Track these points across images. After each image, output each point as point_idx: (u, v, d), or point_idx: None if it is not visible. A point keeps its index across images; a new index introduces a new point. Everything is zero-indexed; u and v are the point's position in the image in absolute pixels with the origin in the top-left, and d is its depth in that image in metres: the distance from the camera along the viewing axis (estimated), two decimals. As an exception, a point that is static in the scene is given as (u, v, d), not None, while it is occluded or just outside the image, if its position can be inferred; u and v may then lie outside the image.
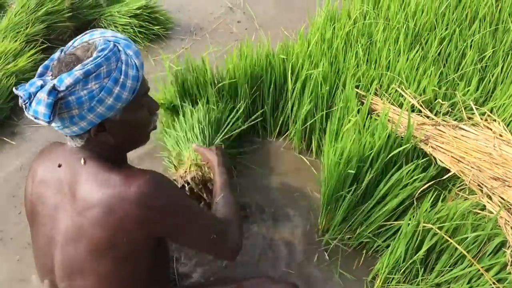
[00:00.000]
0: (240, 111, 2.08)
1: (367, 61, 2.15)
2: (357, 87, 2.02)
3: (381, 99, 1.95)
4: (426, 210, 1.48)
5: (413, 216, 1.53)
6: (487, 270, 1.44)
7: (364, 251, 1.83)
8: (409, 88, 1.92)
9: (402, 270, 1.59)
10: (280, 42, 2.25)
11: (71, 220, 1.15)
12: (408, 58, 2.03)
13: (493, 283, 1.40)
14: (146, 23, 3.02)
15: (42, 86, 1.02)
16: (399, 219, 1.69)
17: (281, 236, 1.89)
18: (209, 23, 3.22)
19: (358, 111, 1.88)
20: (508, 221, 1.41)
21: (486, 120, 1.86)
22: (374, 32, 2.32)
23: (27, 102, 1.02)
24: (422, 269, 1.59)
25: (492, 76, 2.01)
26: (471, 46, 2.14)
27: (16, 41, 2.65)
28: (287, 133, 2.26)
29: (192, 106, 2.11)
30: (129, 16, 2.97)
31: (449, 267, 1.52)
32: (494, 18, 2.24)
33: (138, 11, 2.97)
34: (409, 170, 1.67)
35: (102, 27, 3.02)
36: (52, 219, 1.19)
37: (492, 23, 2.22)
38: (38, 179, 1.23)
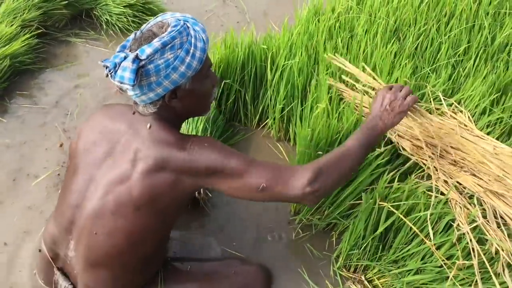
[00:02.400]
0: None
1: (346, 53, 2.23)
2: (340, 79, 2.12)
3: (353, 89, 2.03)
4: (382, 188, 1.56)
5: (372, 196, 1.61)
6: (439, 247, 1.52)
7: (333, 232, 1.91)
8: (380, 78, 2.00)
9: (363, 247, 1.67)
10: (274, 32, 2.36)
11: (120, 168, 1.34)
12: (384, 52, 2.11)
13: (443, 260, 1.48)
14: (140, 13, 3.11)
15: (125, 58, 1.22)
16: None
17: (253, 216, 1.98)
18: (201, 15, 3.31)
19: (331, 99, 1.98)
20: (458, 202, 1.49)
21: (452, 110, 1.94)
22: (355, 26, 2.40)
23: (112, 71, 1.23)
24: (381, 247, 1.68)
25: (464, 70, 2.09)
26: (446, 42, 2.22)
27: (12, 25, 2.74)
28: (266, 122, 2.34)
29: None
30: (123, 6, 3.06)
31: (405, 244, 1.61)
32: (471, 16, 2.31)
33: (132, 1, 3.06)
34: (375, 155, 1.76)
35: (97, 16, 3.11)
36: (99, 162, 1.39)
37: (469, 21, 2.30)
38: (99, 125, 1.44)
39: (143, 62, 1.22)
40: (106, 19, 3.10)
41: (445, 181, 1.60)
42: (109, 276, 1.43)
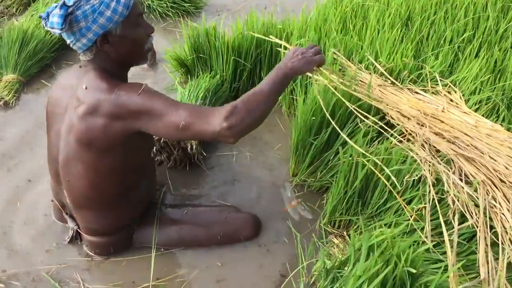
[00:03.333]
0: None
1: (357, 36, 2.40)
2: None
3: (354, 65, 2.20)
4: (357, 143, 1.72)
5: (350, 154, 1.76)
6: (410, 202, 1.67)
7: (325, 195, 2.08)
8: (380, 58, 2.16)
9: (344, 203, 1.83)
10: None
11: (70, 116, 1.52)
12: (387, 36, 2.27)
13: (412, 215, 1.62)
14: (179, 0, 3.41)
15: (56, 7, 1.40)
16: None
17: (251, 176, 2.18)
18: (236, 5, 3.57)
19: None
20: (428, 161, 1.63)
21: (447, 90, 2.08)
22: (369, 14, 2.57)
23: (46, 20, 1.42)
24: (360, 203, 1.83)
25: (463, 55, 2.22)
26: (451, 30, 2.35)
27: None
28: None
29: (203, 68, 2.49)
30: (164, -7, 3.37)
31: (380, 199, 1.75)
32: (478, 8, 2.43)
33: (172, -12, 3.36)
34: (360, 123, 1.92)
35: (142, 1, 3.43)
36: (62, 117, 1.58)
37: (476, 11, 2.42)
38: (59, 86, 1.63)
39: (70, 9, 1.37)
40: (148, 4, 3.40)
41: (422, 145, 1.74)
42: (93, 215, 1.68)
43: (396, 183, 1.58)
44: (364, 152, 1.66)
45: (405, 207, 1.63)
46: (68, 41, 1.48)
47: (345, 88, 1.87)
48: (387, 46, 2.20)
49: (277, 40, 2.09)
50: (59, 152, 1.61)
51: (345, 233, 1.90)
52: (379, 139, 1.92)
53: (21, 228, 1.92)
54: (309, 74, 1.63)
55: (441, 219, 1.43)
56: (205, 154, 2.20)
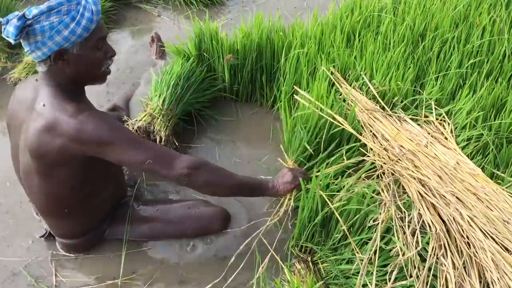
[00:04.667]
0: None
1: (361, 50, 2.31)
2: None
3: (350, 84, 2.13)
4: (323, 179, 1.68)
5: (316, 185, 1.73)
6: (368, 241, 1.63)
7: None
8: (374, 79, 2.07)
9: (308, 232, 1.81)
10: (299, 21, 2.50)
11: (26, 129, 1.57)
12: (391, 55, 2.16)
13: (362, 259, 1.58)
14: (204, -12, 3.39)
15: (15, 16, 1.43)
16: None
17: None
18: (262, -3, 3.50)
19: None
20: (386, 203, 1.57)
21: (439, 121, 1.97)
22: (382, 25, 2.45)
23: (4, 26, 1.44)
24: (324, 234, 1.80)
25: (464, 82, 2.08)
26: (462, 52, 2.20)
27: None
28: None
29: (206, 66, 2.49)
30: (189, -19, 3.36)
31: (340, 233, 1.72)
32: (494, 30, 2.25)
33: (197, -24, 3.34)
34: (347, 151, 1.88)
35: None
36: (19, 129, 1.63)
37: (494, 34, 2.24)
38: (16, 99, 1.67)
39: (29, 22, 1.38)
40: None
41: (388, 184, 1.67)
42: (57, 221, 1.77)
43: (346, 229, 1.54)
44: (324, 195, 1.63)
45: (356, 250, 1.59)
46: (25, 49, 1.50)
47: (323, 114, 1.82)
48: (383, 66, 2.09)
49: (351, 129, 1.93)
50: (20, 164, 1.68)
51: (309, 259, 1.89)
52: (353, 169, 1.86)
53: (1, 220, 2.03)
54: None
55: (389, 269, 1.39)
56: (177, 144, 2.22)
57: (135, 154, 1.50)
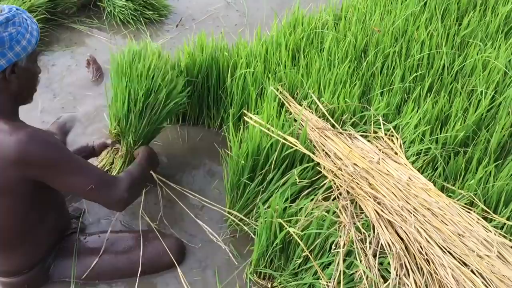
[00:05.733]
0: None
1: (307, 68, 2.30)
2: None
3: (299, 103, 2.11)
4: (277, 205, 1.65)
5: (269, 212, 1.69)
6: (329, 264, 1.60)
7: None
8: (323, 97, 2.07)
9: (266, 258, 1.77)
10: (243, 40, 2.46)
11: None
12: (337, 72, 2.17)
13: (326, 280, 1.56)
14: (141, 7, 3.28)
15: None
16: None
17: (193, 209, 2.11)
18: (201, 15, 3.45)
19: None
20: (346, 225, 1.56)
21: (388, 136, 1.99)
22: (324, 42, 2.46)
23: None
24: (283, 258, 1.76)
25: (408, 96, 2.13)
26: (404, 66, 2.25)
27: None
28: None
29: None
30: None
31: (301, 258, 1.69)
32: (432, 44, 2.32)
33: (135, -5, 3.24)
34: (298, 172, 1.85)
35: (104, 6, 3.31)
36: None
37: (432, 48, 2.31)
38: None
39: None
40: (110, 10, 3.29)
41: (345, 206, 1.66)
42: (3, 256, 1.63)
43: (310, 254, 1.51)
44: (282, 222, 1.59)
45: (322, 275, 1.56)
46: None
47: (275, 135, 1.78)
48: (330, 83, 2.10)
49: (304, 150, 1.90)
50: None
51: (269, 285, 1.84)
52: (309, 191, 1.84)
53: None
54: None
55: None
56: None
57: (79, 179, 1.50)
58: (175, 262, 1.84)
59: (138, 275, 1.79)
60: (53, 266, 1.77)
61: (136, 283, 1.80)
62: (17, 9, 1.45)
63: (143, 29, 3.25)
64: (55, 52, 3.03)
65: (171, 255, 1.83)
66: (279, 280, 1.79)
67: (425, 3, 2.68)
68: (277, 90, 2.15)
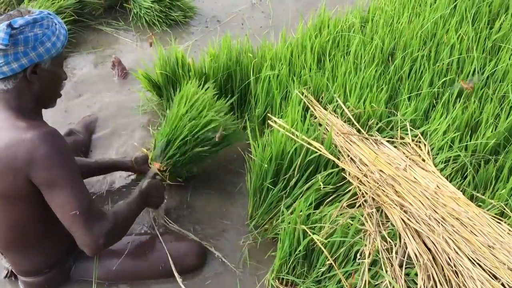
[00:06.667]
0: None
1: (332, 71, 2.27)
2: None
3: (324, 107, 2.08)
4: (301, 211, 1.62)
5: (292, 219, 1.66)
6: (355, 272, 1.57)
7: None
8: (349, 101, 2.03)
9: (289, 264, 1.74)
10: (268, 42, 2.45)
11: None
12: (364, 75, 2.13)
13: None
14: (167, 9, 3.29)
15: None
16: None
17: (215, 212, 2.09)
18: (226, 16, 3.44)
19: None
20: (371, 234, 1.52)
21: (415, 142, 1.94)
22: (351, 45, 2.43)
23: None
24: (306, 265, 1.73)
25: (437, 102, 2.07)
26: (432, 71, 2.20)
27: (48, 10, 3.01)
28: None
29: (173, 89, 2.39)
30: (152, 1, 3.25)
31: (324, 265, 1.65)
32: (463, 47, 2.26)
33: (162, -4, 3.25)
34: (322, 178, 1.82)
35: (130, 8, 3.33)
36: None
37: (462, 52, 2.25)
38: None
39: (14, 31, 1.35)
40: (136, 11, 3.31)
41: (370, 214, 1.62)
42: (18, 257, 1.63)
43: (334, 263, 1.48)
44: (306, 229, 1.56)
45: (345, 283, 1.53)
46: None
47: (299, 140, 1.75)
48: (357, 88, 2.06)
49: (329, 155, 1.86)
50: None
51: (291, 291, 1.81)
52: (333, 197, 1.81)
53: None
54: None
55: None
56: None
57: (68, 198, 1.42)
58: (196, 266, 1.83)
59: (158, 277, 1.79)
60: (74, 268, 1.77)
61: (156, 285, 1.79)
62: (48, 13, 1.46)
63: (169, 31, 3.26)
64: (82, 53, 3.06)
65: (191, 258, 1.83)
66: (301, 287, 1.76)
67: (455, 6, 2.62)
68: (302, 93, 2.12)
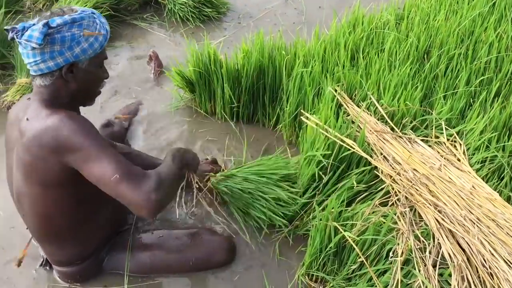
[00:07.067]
0: None
1: (366, 68, 2.25)
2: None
3: (358, 105, 2.07)
4: (333, 208, 1.62)
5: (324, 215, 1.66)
6: (385, 272, 1.56)
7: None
8: (382, 99, 2.01)
9: (319, 261, 1.74)
10: (301, 39, 2.44)
11: (17, 150, 1.50)
12: (398, 73, 2.11)
13: (381, 286, 1.52)
14: (201, 5, 3.32)
15: (34, 24, 1.39)
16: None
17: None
18: (259, 12, 3.45)
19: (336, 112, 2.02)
20: (404, 233, 1.51)
21: (450, 141, 1.91)
22: (385, 42, 2.40)
23: (18, 34, 1.39)
24: (337, 262, 1.73)
25: (473, 101, 2.03)
26: (469, 69, 2.15)
27: (85, 6, 3.08)
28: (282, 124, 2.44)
29: (206, 86, 2.43)
30: (186, -4, 3.30)
31: (355, 263, 1.65)
32: (501, 46, 2.21)
33: (196, -8, 3.28)
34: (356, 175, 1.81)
35: (165, 3, 3.38)
36: (12, 152, 1.57)
37: (501, 50, 2.20)
38: (9, 121, 1.61)
39: (51, 30, 1.37)
40: (170, 7, 3.35)
41: (403, 213, 1.61)
42: (52, 247, 1.68)
43: (365, 261, 1.47)
44: (338, 226, 1.55)
45: (377, 281, 1.52)
46: (29, 60, 1.42)
47: (332, 137, 1.75)
48: (391, 85, 2.04)
49: (362, 152, 1.83)
50: (14, 187, 1.61)
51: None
52: (365, 195, 1.80)
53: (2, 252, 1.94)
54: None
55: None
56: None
57: (104, 166, 1.38)
58: (226, 261, 1.85)
59: (189, 271, 1.82)
60: (106, 259, 1.81)
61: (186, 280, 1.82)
62: (92, 12, 1.48)
63: (202, 26, 3.29)
64: (117, 48, 3.12)
65: (221, 253, 1.85)
66: (331, 284, 1.75)
67: (494, 4, 2.56)
68: (335, 90, 2.11)
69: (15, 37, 1.40)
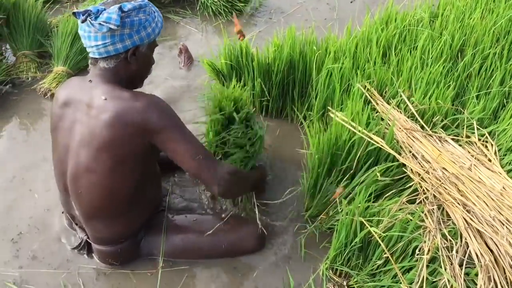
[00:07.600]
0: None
1: (397, 66, 2.24)
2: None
3: (388, 103, 2.06)
4: (360, 204, 1.62)
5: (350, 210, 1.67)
6: (410, 269, 1.56)
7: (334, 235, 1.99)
8: (413, 97, 2.00)
9: (344, 255, 1.75)
10: (333, 35, 2.44)
11: (87, 127, 1.57)
12: (431, 71, 2.09)
13: (406, 283, 1.52)
14: (233, -2, 3.36)
15: (104, 9, 1.51)
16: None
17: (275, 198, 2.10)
18: (290, 7, 3.45)
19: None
20: (431, 231, 1.50)
21: (482, 142, 1.89)
22: (418, 40, 2.38)
23: (92, 16, 1.50)
24: (362, 258, 1.74)
25: (507, 101, 2.00)
26: (504, 69, 2.12)
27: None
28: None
29: (236, 79, 2.44)
30: (218, -9, 3.32)
31: (380, 259, 1.65)
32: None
33: (228, -14, 3.31)
34: (381, 169, 1.81)
35: (199, -3, 3.43)
36: (69, 131, 1.63)
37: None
38: (60, 103, 1.66)
39: (123, 14, 1.49)
40: (203, 1, 3.38)
41: (431, 210, 1.60)
42: (103, 224, 1.71)
43: (390, 257, 1.47)
44: (364, 221, 1.56)
45: (402, 279, 1.52)
46: (96, 43, 1.53)
47: (359, 133, 1.75)
48: (422, 83, 2.02)
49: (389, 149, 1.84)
50: (67, 167, 1.66)
51: (345, 283, 1.82)
52: (393, 192, 1.79)
53: (34, 233, 1.99)
54: None
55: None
56: None
57: (190, 147, 1.55)
58: (255, 249, 1.88)
59: (219, 256, 1.86)
60: (143, 240, 1.86)
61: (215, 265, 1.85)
62: (148, 2, 1.60)
63: (232, 21, 3.31)
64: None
65: (251, 241, 1.87)
66: (355, 279, 1.76)
67: (532, 3, 2.51)
68: (365, 87, 2.11)
69: (88, 19, 1.49)
